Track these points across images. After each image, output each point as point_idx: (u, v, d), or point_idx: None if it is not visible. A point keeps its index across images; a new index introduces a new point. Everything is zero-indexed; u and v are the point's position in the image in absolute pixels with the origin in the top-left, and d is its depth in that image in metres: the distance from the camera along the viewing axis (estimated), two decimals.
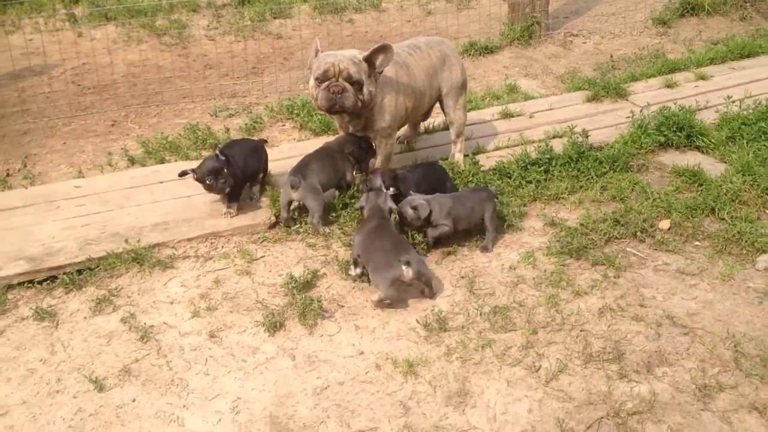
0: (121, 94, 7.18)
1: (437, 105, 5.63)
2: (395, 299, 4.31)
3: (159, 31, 8.43)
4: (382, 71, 4.78)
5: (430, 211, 4.68)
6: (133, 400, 3.73)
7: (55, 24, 8.49)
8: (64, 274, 4.51)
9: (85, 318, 4.28)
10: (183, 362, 3.96)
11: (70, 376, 3.86)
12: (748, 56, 7.84)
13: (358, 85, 4.69)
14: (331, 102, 4.71)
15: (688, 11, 9.25)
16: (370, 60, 4.72)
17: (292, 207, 5.03)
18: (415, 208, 4.66)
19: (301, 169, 4.95)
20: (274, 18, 8.95)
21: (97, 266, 4.61)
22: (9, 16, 8.67)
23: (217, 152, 4.91)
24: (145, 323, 4.21)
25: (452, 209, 4.74)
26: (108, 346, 4.07)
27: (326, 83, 4.69)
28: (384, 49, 4.69)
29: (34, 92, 7.18)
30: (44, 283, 4.50)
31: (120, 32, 8.34)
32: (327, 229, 4.96)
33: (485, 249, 4.83)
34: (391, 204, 4.64)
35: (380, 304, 4.32)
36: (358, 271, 4.53)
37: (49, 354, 4.01)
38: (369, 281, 4.45)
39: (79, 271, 4.56)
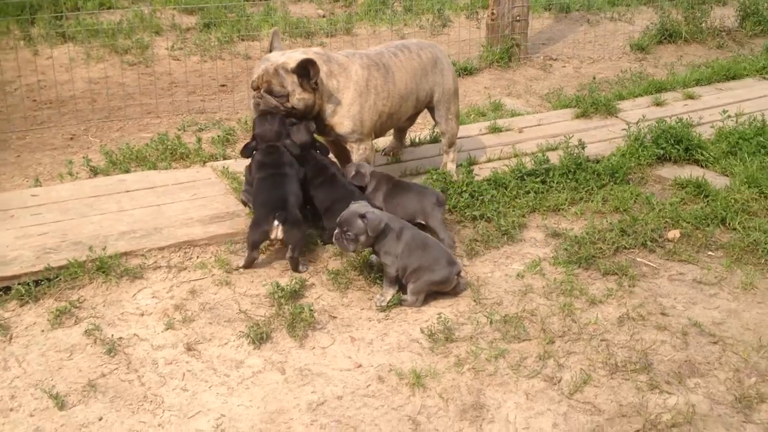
0: (81, 109, 6.71)
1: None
2: None
3: (120, 50, 7.98)
4: (315, 80, 4.44)
5: None
6: (100, 419, 3.22)
7: (9, 43, 8.00)
8: (18, 284, 4.00)
9: (43, 331, 3.77)
10: (157, 377, 3.47)
11: (26, 393, 3.35)
12: (733, 78, 7.64)
13: (282, 96, 4.44)
14: (256, 109, 4.55)
15: (665, 38, 9.09)
16: (301, 71, 4.39)
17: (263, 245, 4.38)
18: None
19: (280, 203, 4.26)
20: (242, 40, 8.58)
21: (57, 276, 4.10)
22: None
23: None
24: (112, 335, 3.71)
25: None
26: (70, 361, 3.56)
27: (253, 94, 4.55)
28: (309, 62, 4.38)
29: None
30: None
31: (78, 51, 7.88)
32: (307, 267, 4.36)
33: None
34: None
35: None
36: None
37: (0, 369, 3.49)
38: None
39: (36, 282, 4.05)
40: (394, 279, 4.04)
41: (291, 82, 4.41)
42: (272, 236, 4.20)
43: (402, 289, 4.06)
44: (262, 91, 4.47)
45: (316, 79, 4.42)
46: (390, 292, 4.03)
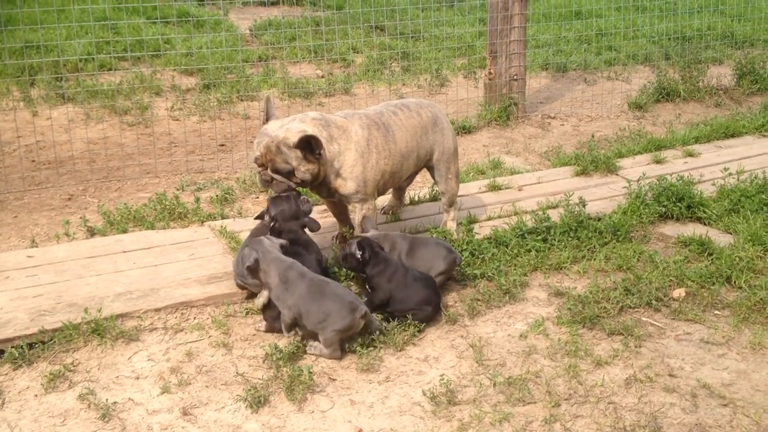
0: (80, 170, 6.68)
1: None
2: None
3: (120, 110, 7.99)
4: (320, 152, 4.42)
5: None
6: None
7: (8, 104, 8.01)
8: (12, 347, 3.91)
9: (36, 396, 3.68)
10: None
11: None
12: (732, 136, 7.65)
13: (287, 173, 4.43)
14: (266, 187, 4.61)
15: (663, 96, 9.13)
16: (303, 145, 4.37)
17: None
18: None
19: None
20: (241, 100, 8.61)
21: (51, 339, 4.02)
22: None
23: None
24: (106, 400, 3.61)
25: None
26: (63, 426, 3.47)
27: (259, 170, 4.52)
28: (311, 139, 4.36)
29: None
30: None
31: (78, 111, 7.90)
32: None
33: None
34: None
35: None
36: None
37: None
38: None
39: (30, 345, 3.96)
40: (290, 325, 4.10)
41: (295, 158, 4.38)
42: None
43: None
44: (268, 170, 4.43)
45: (319, 150, 4.41)
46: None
